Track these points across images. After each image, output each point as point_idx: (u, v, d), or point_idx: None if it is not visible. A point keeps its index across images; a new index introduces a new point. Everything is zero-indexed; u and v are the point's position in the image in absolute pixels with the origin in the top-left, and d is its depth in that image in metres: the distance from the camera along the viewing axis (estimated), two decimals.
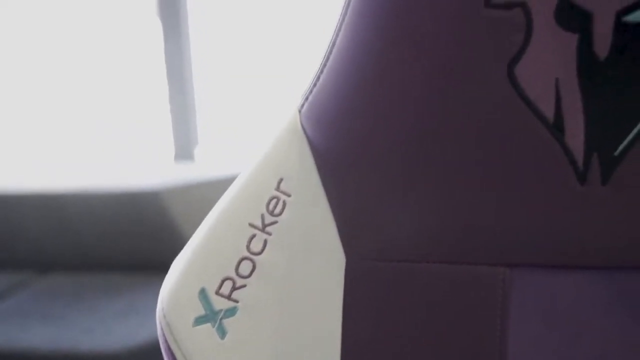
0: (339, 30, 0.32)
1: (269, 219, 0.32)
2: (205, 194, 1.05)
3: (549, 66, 0.28)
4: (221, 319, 0.31)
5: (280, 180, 0.32)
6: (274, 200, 0.32)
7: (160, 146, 1.58)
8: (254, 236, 0.31)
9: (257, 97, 1.55)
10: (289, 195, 0.32)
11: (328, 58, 0.32)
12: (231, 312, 0.31)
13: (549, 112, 0.28)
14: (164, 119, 1.57)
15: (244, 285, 0.32)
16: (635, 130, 0.28)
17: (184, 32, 1.58)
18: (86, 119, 1.65)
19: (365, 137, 0.31)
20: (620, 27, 0.27)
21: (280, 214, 0.32)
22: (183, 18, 1.58)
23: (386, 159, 0.30)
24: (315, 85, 0.33)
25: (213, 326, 0.31)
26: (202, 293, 0.32)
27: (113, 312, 0.92)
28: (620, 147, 0.28)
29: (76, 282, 1.06)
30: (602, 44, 0.27)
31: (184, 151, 1.54)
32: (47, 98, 1.65)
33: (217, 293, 0.32)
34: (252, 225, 0.32)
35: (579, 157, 0.28)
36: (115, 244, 1.07)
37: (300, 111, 0.33)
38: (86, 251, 1.10)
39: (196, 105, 1.57)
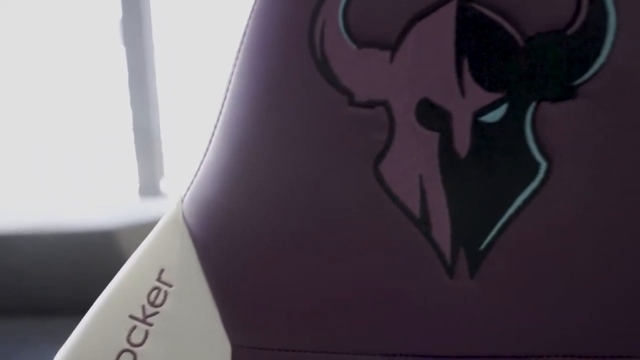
0: (217, 121, 0.34)
1: (150, 309, 0.33)
2: None
3: (412, 163, 0.30)
4: None
5: (162, 270, 0.33)
6: (155, 291, 0.33)
7: (124, 179, 1.59)
8: (134, 328, 0.33)
9: None
10: (170, 286, 0.33)
11: (207, 149, 0.34)
12: None
13: (415, 208, 0.30)
14: (127, 149, 1.58)
15: None
16: (498, 225, 0.30)
17: (148, 58, 1.60)
18: (42, 150, 1.66)
19: (243, 229, 0.32)
20: (478, 127, 0.29)
21: (161, 304, 0.33)
22: (147, 45, 1.60)
23: (265, 248, 0.32)
24: (196, 175, 0.34)
25: None
26: None
27: None
28: (485, 242, 0.30)
29: (22, 327, 1.06)
30: (462, 143, 0.29)
31: (149, 184, 1.55)
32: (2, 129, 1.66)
33: None
34: (132, 317, 0.33)
35: (447, 251, 0.30)
36: (65, 287, 1.08)
37: (182, 201, 0.35)
38: (32, 295, 1.11)
39: (162, 134, 1.59)
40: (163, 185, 1.56)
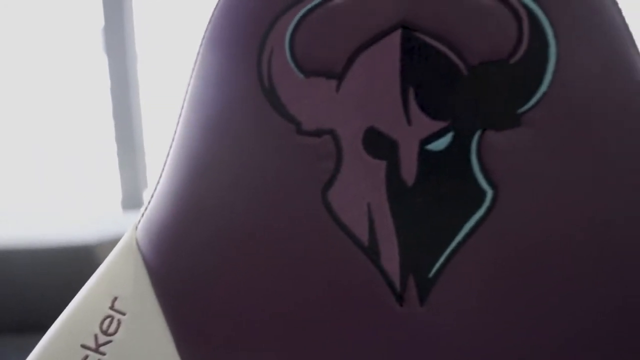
0: (170, 148, 0.34)
1: (102, 338, 0.33)
2: None
3: (360, 192, 0.30)
4: None
5: (115, 298, 0.34)
6: (108, 320, 0.34)
7: (106, 191, 1.59)
8: (86, 357, 0.33)
9: None
10: (123, 314, 0.34)
11: (161, 176, 0.34)
12: None
13: (363, 236, 0.30)
14: (110, 161, 1.58)
15: None
16: (446, 253, 0.30)
17: (131, 68, 1.60)
18: (23, 161, 1.66)
19: (195, 256, 0.33)
20: (424, 155, 0.30)
21: (114, 333, 0.34)
22: (130, 54, 1.60)
23: (217, 275, 0.32)
24: (149, 202, 0.35)
25: None
26: None
27: None
28: (434, 269, 0.30)
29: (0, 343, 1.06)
30: (409, 171, 0.30)
31: (132, 196, 1.55)
32: None
33: None
34: (84, 347, 0.33)
35: (396, 279, 0.31)
36: (45, 303, 1.08)
37: (137, 228, 0.35)
38: (11, 310, 1.11)
39: (145, 145, 1.59)
40: (146, 196, 1.56)
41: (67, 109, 1.67)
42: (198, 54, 0.33)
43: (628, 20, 0.31)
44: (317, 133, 0.30)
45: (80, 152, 1.66)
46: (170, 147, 0.34)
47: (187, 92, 0.34)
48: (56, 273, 1.09)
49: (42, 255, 1.10)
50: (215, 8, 0.33)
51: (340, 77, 0.30)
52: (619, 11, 0.30)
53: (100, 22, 1.61)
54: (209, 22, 0.33)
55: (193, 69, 0.34)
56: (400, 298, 0.31)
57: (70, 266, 1.08)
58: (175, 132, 0.34)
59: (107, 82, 1.60)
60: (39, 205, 1.60)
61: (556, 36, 0.29)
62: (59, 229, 1.19)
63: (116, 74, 1.59)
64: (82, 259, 1.08)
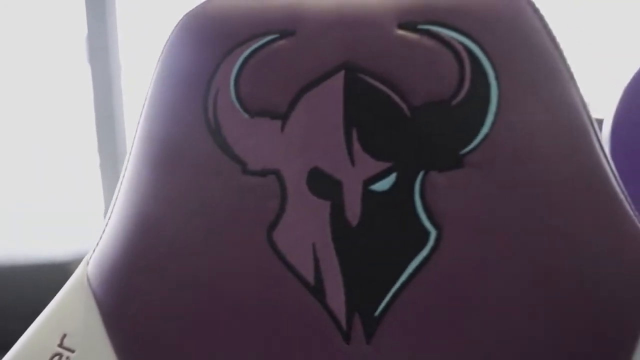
0: (120, 184, 0.35)
1: None
2: None
3: (305, 232, 0.31)
4: None
5: (64, 335, 0.34)
6: (57, 358, 0.34)
7: (88, 203, 1.59)
8: None
9: None
10: (72, 351, 0.34)
11: (112, 212, 0.35)
12: None
13: (309, 276, 0.31)
14: (92, 172, 1.58)
15: None
16: (391, 292, 0.31)
17: (114, 77, 1.61)
18: (3, 172, 1.66)
19: (144, 293, 0.33)
20: (368, 195, 0.30)
21: None
22: (114, 62, 1.61)
23: (167, 313, 0.33)
24: (100, 238, 0.35)
25: None
26: None
27: None
28: (379, 308, 0.31)
29: None
30: (353, 211, 0.30)
31: None
32: None
33: None
34: None
35: (342, 318, 0.31)
36: (19, 323, 1.08)
37: (88, 263, 0.36)
38: None
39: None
40: None
41: (50, 119, 1.67)
42: (148, 91, 0.34)
43: (571, 62, 0.32)
44: (262, 173, 0.31)
45: (63, 163, 1.67)
46: (121, 183, 0.35)
47: (137, 129, 0.34)
48: (29, 291, 1.09)
49: (14, 273, 1.10)
50: (164, 46, 0.34)
51: (284, 117, 0.31)
52: (561, 54, 0.31)
53: (84, 30, 1.61)
54: (158, 61, 0.34)
55: (143, 106, 0.34)
56: (346, 336, 0.31)
57: (43, 285, 1.08)
58: (126, 168, 0.35)
59: (90, 92, 1.61)
60: (15, 218, 1.60)
61: (497, 78, 0.30)
62: (34, 245, 1.19)
63: (99, 83, 1.60)
64: (56, 278, 1.08)
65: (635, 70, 0.89)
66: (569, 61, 0.32)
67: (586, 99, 0.32)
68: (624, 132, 0.87)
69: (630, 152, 0.87)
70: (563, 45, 0.32)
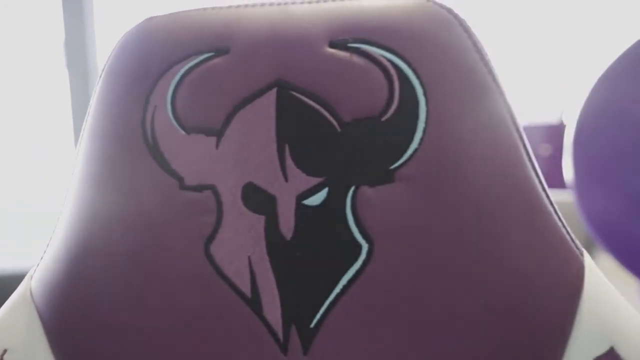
0: (66, 199, 0.36)
1: None
2: None
3: (241, 245, 0.32)
4: None
5: (4, 351, 0.35)
6: None
7: None
8: None
9: None
10: None
11: (57, 226, 0.36)
12: None
13: (246, 289, 0.32)
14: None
15: None
16: (326, 304, 0.32)
17: (92, 82, 1.61)
18: None
19: (86, 307, 0.34)
20: (301, 210, 0.31)
21: None
22: (92, 68, 1.61)
23: (107, 325, 0.34)
24: (45, 252, 0.36)
25: None
26: None
27: None
28: (315, 320, 0.32)
29: None
30: (287, 225, 0.31)
31: None
32: None
33: None
34: None
35: (279, 329, 0.32)
36: None
37: (31, 278, 0.36)
38: None
39: None
40: None
41: (28, 126, 1.67)
42: (90, 106, 0.35)
43: (501, 79, 0.33)
44: (199, 188, 0.32)
45: (42, 169, 1.67)
46: (66, 197, 0.36)
47: (80, 144, 0.35)
48: None
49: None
50: (105, 64, 0.35)
51: (219, 134, 0.32)
52: (491, 70, 0.32)
53: (61, 36, 1.62)
54: (99, 77, 0.35)
55: (85, 121, 0.35)
56: (284, 348, 0.32)
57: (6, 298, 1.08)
58: (71, 183, 0.35)
59: (68, 97, 1.61)
60: None
61: (426, 94, 0.31)
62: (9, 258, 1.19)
63: (77, 88, 1.60)
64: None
65: (597, 78, 0.90)
66: (499, 77, 0.33)
67: (518, 113, 0.34)
68: (585, 138, 0.89)
69: (591, 158, 0.89)
70: (494, 61, 0.33)
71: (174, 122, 0.32)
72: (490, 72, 0.32)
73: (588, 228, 0.95)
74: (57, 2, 1.61)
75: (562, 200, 1.49)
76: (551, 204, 0.34)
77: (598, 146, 0.89)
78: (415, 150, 0.31)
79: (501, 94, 0.33)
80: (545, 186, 0.34)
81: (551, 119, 2.03)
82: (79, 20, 1.60)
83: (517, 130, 0.33)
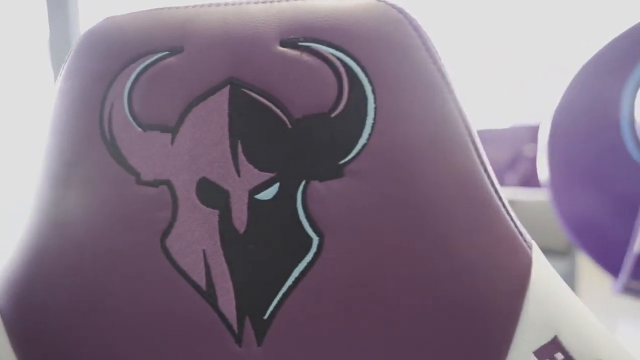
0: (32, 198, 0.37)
1: None
2: None
3: (196, 239, 0.33)
4: None
5: None
6: None
7: None
8: None
9: None
10: None
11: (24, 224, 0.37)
12: None
13: (201, 281, 0.33)
14: None
15: None
16: (278, 296, 0.33)
17: None
18: None
19: (44, 303, 0.35)
20: (254, 204, 0.32)
21: None
22: None
23: (64, 320, 0.35)
24: (13, 252, 0.37)
25: None
26: None
27: None
28: (268, 312, 0.33)
29: None
30: (240, 219, 0.33)
31: None
32: None
33: None
34: None
35: (233, 321, 0.33)
36: None
37: None
38: None
39: None
40: None
41: (11, 124, 1.67)
42: (52, 104, 0.36)
43: (451, 76, 0.34)
44: (155, 183, 0.33)
45: (22, 168, 1.67)
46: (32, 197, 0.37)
47: (43, 142, 0.36)
48: None
49: None
50: (65, 62, 0.36)
51: (174, 131, 0.33)
52: (440, 68, 0.34)
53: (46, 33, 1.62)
54: (60, 74, 0.36)
55: (48, 119, 0.36)
56: (238, 339, 0.33)
57: None
58: (34, 182, 0.36)
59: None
60: None
61: (374, 91, 0.32)
62: None
63: None
64: None
65: (569, 82, 0.92)
66: (449, 75, 0.34)
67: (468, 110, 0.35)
68: (561, 141, 0.90)
69: (567, 158, 0.90)
70: (444, 59, 0.34)
71: (130, 119, 0.33)
72: (439, 69, 0.34)
73: (563, 227, 0.96)
74: (41, 1, 1.62)
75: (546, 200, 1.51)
76: (500, 198, 0.35)
77: (573, 146, 0.90)
78: (364, 146, 0.32)
79: (450, 91, 0.34)
80: (495, 181, 0.35)
81: (536, 119, 2.05)
82: (63, 18, 1.60)
83: (467, 127, 0.34)
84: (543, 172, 0.97)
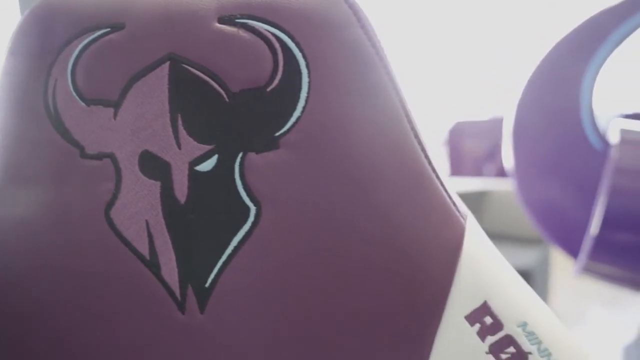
0: None
1: None
2: None
3: (139, 210, 0.34)
4: None
5: None
6: None
7: None
8: None
9: None
10: None
11: None
12: None
13: (144, 251, 0.35)
14: None
15: None
16: (219, 264, 0.34)
17: None
18: None
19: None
20: (194, 176, 0.34)
21: None
22: None
23: (9, 294, 0.36)
24: None
25: None
26: None
27: None
28: (209, 280, 0.35)
29: None
30: (181, 190, 0.34)
31: None
32: None
33: None
34: None
35: (176, 289, 0.35)
36: None
37: None
38: None
39: None
40: None
41: None
42: None
43: (385, 52, 0.36)
44: (98, 157, 0.34)
45: None
46: None
47: None
48: None
49: None
50: (11, 37, 0.37)
51: (116, 105, 0.34)
52: (378, 51, 0.35)
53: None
54: (5, 54, 0.37)
55: None
56: (181, 307, 0.35)
57: None
58: None
59: None
60: None
61: (308, 66, 0.33)
62: None
63: None
64: None
65: (530, 73, 0.94)
66: (383, 51, 0.36)
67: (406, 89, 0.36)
68: (524, 131, 0.93)
69: (530, 150, 0.92)
70: (380, 36, 0.36)
71: (74, 94, 0.34)
72: (374, 45, 0.35)
73: (527, 214, 0.98)
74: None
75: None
76: (434, 170, 0.36)
77: (535, 135, 0.92)
78: (298, 118, 0.33)
79: (385, 66, 0.35)
80: (429, 153, 0.36)
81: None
82: None
83: (400, 100, 0.36)
84: (508, 161, 0.99)
